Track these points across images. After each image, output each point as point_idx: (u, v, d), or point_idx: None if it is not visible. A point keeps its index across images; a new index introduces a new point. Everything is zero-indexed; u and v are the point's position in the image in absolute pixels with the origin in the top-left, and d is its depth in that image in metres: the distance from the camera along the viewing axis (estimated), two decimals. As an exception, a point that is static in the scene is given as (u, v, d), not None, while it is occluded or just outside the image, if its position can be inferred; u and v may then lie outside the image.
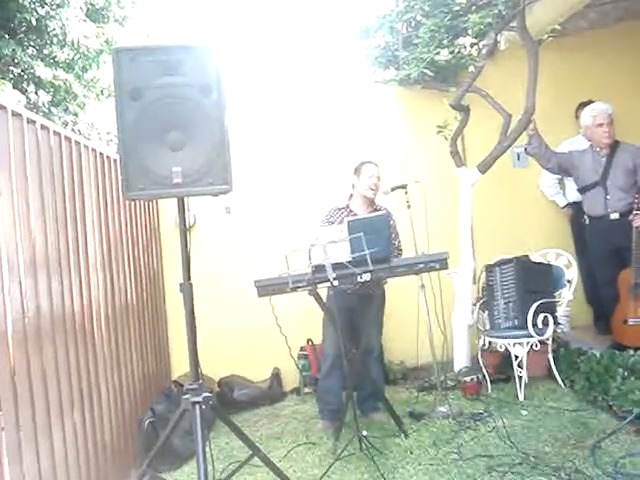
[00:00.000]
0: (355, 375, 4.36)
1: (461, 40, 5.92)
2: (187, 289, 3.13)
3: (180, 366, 5.76)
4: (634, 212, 4.86)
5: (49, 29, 9.52)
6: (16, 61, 9.31)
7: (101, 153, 4.57)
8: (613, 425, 4.00)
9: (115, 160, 4.73)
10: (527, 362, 4.83)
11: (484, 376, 5.15)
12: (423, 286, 4.78)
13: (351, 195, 4.93)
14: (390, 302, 5.04)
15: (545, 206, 6.30)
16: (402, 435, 4.37)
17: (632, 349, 4.61)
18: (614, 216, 5.08)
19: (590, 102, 5.47)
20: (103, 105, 10.92)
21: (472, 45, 5.95)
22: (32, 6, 9.00)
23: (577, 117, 5.85)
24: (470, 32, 5.54)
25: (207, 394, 3.10)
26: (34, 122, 3.48)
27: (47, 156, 3.62)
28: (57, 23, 9.47)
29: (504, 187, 6.15)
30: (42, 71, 9.33)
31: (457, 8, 5.68)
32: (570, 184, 5.86)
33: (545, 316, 4.83)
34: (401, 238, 4.93)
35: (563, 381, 4.93)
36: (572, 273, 5.25)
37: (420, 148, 6.17)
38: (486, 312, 5.26)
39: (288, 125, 6.28)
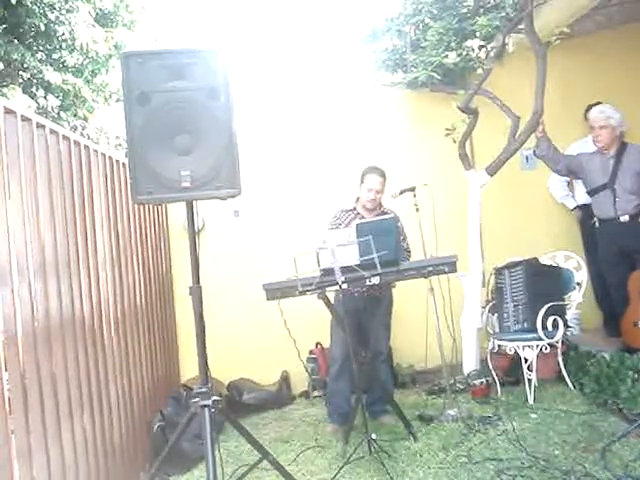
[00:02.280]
0: (364, 378, 4.35)
1: (469, 43, 5.91)
2: (196, 292, 3.13)
3: (189, 369, 5.78)
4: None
5: (58, 34, 9.57)
6: (25, 66, 9.35)
7: (110, 157, 4.59)
8: (623, 428, 3.97)
9: (124, 164, 4.75)
10: (537, 365, 4.81)
11: (493, 379, 5.14)
12: (432, 289, 4.78)
13: (358, 198, 4.93)
14: (399, 305, 5.04)
15: (554, 208, 6.29)
16: (411, 438, 4.36)
17: (642, 352, 4.60)
18: (624, 219, 5.06)
19: (598, 104, 5.46)
20: (112, 109, 10.95)
21: (480, 48, 5.95)
22: (41, 11, 9.03)
23: (586, 119, 5.84)
24: (478, 35, 5.55)
25: (216, 397, 3.10)
26: (43, 127, 3.50)
27: (56, 160, 3.64)
28: (66, 28, 9.52)
29: (513, 190, 6.14)
30: (51, 76, 9.37)
31: (465, 11, 5.68)
32: (579, 186, 5.84)
33: (555, 319, 4.81)
34: (410, 241, 4.93)
35: (573, 384, 4.91)
36: (582, 276, 5.23)
37: (428, 151, 6.17)
38: (495, 315, 5.25)
39: (296, 128, 6.29)
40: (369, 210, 4.86)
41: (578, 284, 5.21)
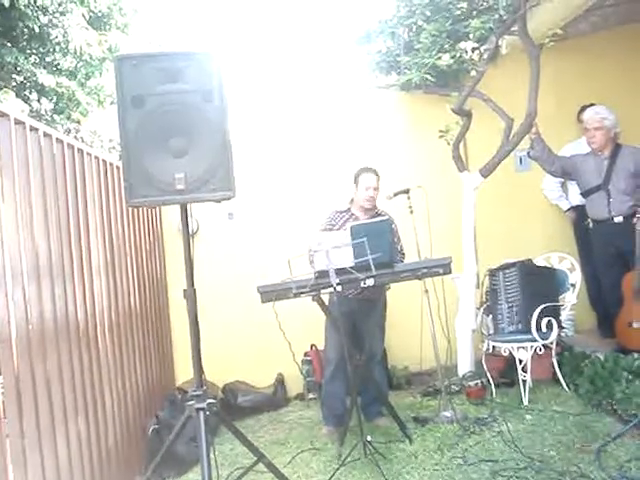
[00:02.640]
0: (359, 380, 4.35)
1: (462, 45, 5.92)
2: (190, 295, 3.13)
3: (184, 372, 5.76)
4: (637, 215, 4.85)
5: (52, 37, 9.54)
6: (19, 69, 9.32)
7: (104, 160, 4.58)
8: (618, 429, 3.98)
9: (118, 167, 4.74)
10: (531, 366, 4.82)
11: (488, 380, 5.14)
12: (427, 291, 4.78)
13: (352, 199, 4.94)
14: (394, 307, 5.04)
15: (548, 210, 6.30)
16: (406, 440, 4.36)
17: (636, 352, 4.60)
18: (617, 219, 5.08)
19: (592, 105, 5.47)
20: (106, 112, 10.93)
21: (473, 50, 5.96)
22: (34, 14, 8.99)
23: (579, 120, 5.85)
24: (471, 37, 5.56)
25: (211, 400, 3.10)
26: (37, 130, 3.49)
27: (50, 163, 3.63)
28: (59, 31, 9.48)
29: (507, 191, 6.15)
30: (45, 79, 9.33)
31: (458, 13, 5.68)
32: (573, 187, 5.85)
33: (549, 320, 4.82)
34: (404, 243, 4.93)
35: (567, 385, 4.91)
36: (576, 277, 5.24)
37: (422, 153, 6.18)
38: (490, 316, 5.25)
39: (290, 130, 6.30)
40: (365, 210, 4.86)
41: (572, 285, 5.22)
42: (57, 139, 3.75)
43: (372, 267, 3.94)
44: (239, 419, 5.38)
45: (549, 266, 5.36)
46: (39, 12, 9.19)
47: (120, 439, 4.32)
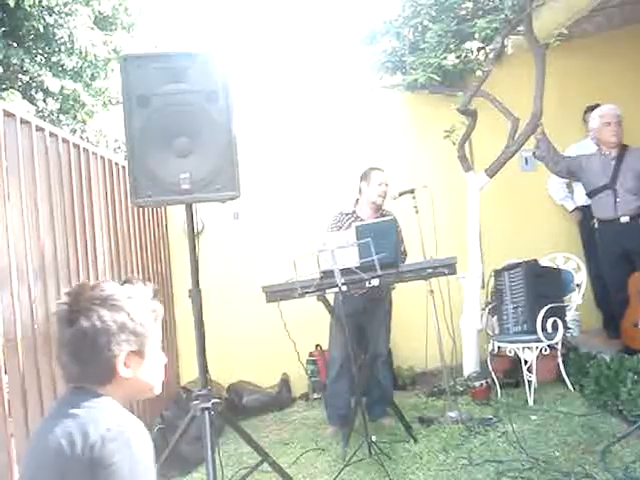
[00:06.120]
0: (363, 380, 4.35)
1: (468, 45, 5.91)
2: (196, 295, 3.14)
3: (189, 372, 5.77)
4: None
5: (57, 37, 9.54)
6: (24, 69, 9.33)
7: (109, 160, 4.59)
8: (623, 429, 3.97)
9: (123, 167, 4.75)
10: (536, 367, 4.81)
11: (493, 381, 5.13)
12: (432, 291, 4.77)
13: (357, 200, 4.93)
14: (399, 307, 5.04)
15: (553, 210, 6.29)
16: (411, 440, 4.36)
17: (642, 353, 4.60)
18: (624, 219, 5.06)
19: (597, 106, 5.46)
20: (111, 113, 10.94)
21: (479, 50, 5.94)
22: (40, 14, 9.00)
23: (585, 121, 5.84)
24: (477, 37, 5.54)
25: (216, 400, 3.10)
26: (43, 129, 3.50)
27: (56, 163, 3.64)
28: (65, 31, 9.47)
29: (512, 191, 6.14)
30: (50, 80, 9.34)
31: (464, 13, 5.67)
32: (579, 188, 5.83)
33: (554, 320, 4.81)
34: (409, 243, 4.93)
35: (573, 385, 4.90)
36: (581, 277, 5.23)
37: (427, 153, 6.17)
38: (495, 317, 5.24)
39: (295, 130, 6.30)
40: (374, 209, 4.86)
41: (578, 285, 5.21)
42: (63, 139, 3.76)
43: (377, 267, 3.93)
44: (244, 419, 5.38)
45: (554, 266, 5.35)
46: (44, 12, 9.20)
47: (125, 438, 4.31)
